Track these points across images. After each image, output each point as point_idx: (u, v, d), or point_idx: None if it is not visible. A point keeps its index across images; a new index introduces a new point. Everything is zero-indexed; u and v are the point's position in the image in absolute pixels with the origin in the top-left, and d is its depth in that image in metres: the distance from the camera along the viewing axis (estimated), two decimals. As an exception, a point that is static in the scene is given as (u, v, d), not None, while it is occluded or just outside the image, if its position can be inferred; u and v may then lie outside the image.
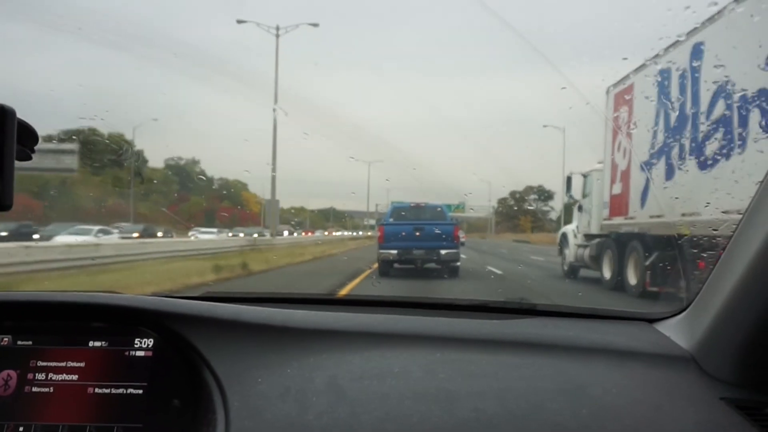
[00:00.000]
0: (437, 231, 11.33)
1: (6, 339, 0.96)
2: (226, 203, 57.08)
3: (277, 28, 25.46)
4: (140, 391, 0.92)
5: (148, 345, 0.95)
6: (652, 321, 1.13)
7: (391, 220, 12.13)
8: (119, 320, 0.99)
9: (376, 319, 1.10)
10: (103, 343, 0.96)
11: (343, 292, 7.28)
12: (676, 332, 1.03)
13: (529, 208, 68.43)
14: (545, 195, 75.86)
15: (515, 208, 63.55)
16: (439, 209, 12.56)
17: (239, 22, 28.76)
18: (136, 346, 0.95)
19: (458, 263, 11.18)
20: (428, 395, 0.84)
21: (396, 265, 11.33)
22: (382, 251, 11.26)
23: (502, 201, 62.80)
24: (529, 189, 75.40)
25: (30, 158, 0.64)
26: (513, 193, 66.26)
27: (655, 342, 1.02)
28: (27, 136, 0.63)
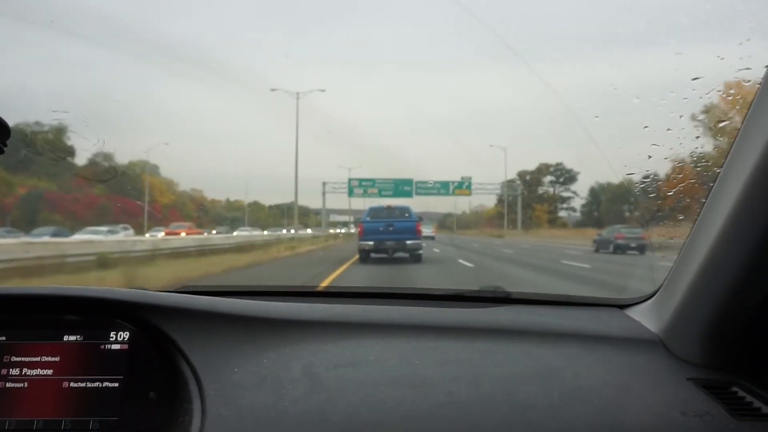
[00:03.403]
0: (403, 226, 16.58)
1: None
2: (99, 190, 53.58)
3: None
4: (116, 384, 1.01)
5: (123, 338, 1.04)
6: (623, 307, 1.32)
7: (368, 218, 17.34)
8: (94, 313, 1.08)
9: (352, 309, 1.23)
10: (78, 337, 1.05)
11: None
12: (646, 317, 1.19)
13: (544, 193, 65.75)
14: (566, 176, 72.31)
15: (525, 193, 60.82)
16: (405, 209, 17.99)
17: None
18: (111, 339, 1.05)
19: (421, 251, 16.62)
20: (403, 381, 0.96)
21: (372, 254, 16.32)
22: (361, 243, 16.61)
23: (509, 185, 60.17)
24: (545, 168, 71.97)
25: (2, 152, 0.69)
26: (522, 174, 63.16)
27: (625, 327, 1.19)
28: None
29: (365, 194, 52.02)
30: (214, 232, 37.07)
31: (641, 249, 21.15)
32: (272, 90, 41.30)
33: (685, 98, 1.40)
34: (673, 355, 1.08)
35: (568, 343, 1.12)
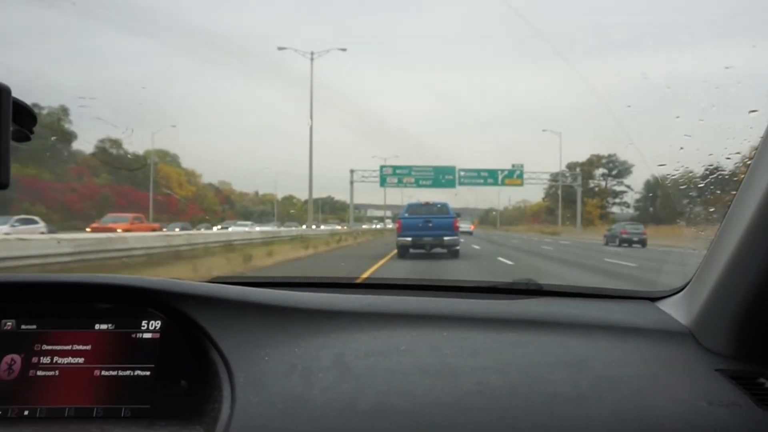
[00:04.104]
0: (441, 222, 17.53)
1: (9, 323, 1.09)
2: (102, 180, 46.61)
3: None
4: (148, 373, 1.05)
5: (155, 327, 1.09)
6: (654, 299, 1.36)
7: (406, 215, 18.27)
8: (125, 301, 1.12)
9: (384, 300, 1.28)
10: (110, 325, 1.09)
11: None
12: (676, 309, 1.23)
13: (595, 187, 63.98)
14: (620, 168, 70.19)
15: (573, 186, 59.35)
16: (443, 205, 18.69)
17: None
18: (143, 328, 1.09)
19: (458, 247, 17.67)
20: (433, 371, 1.00)
21: (411, 250, 17.20)
22: (399, 239, 17.64)
23: (554, 178, 58.93)
24: (596, 160, 69.98)
25: (29, 139, 0.75)
26: (572, 166, 61.50)
27: (655, 319, 1.22)
28: (24, 117, 0.73)
29: (400, 184, 47.43)
30: (177, 229, 28.90)
31: (643, 243, 27.58)
32: (280, 48, 37.33)
33: (717, 87, 1.41)
34: (702, 347, 1.11)
35: (598, 335, 1.15)
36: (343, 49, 40.10)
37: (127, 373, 1.06)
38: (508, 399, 0.95)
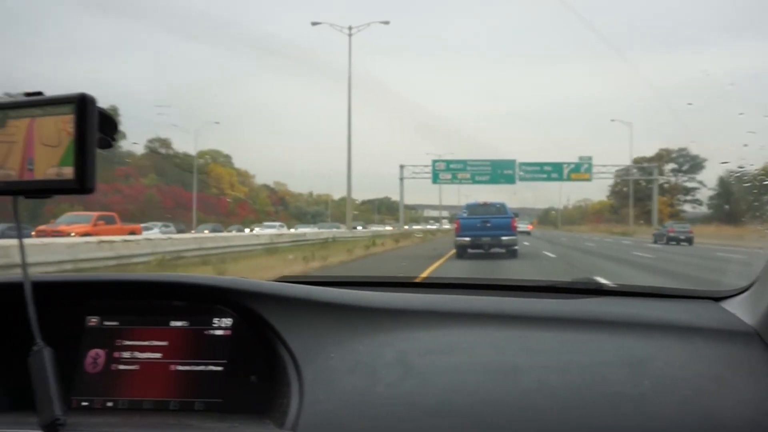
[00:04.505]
0: (499, 222, 18.24)
1: (94, 320, 1.17)
2: (149, 180, 46.53)
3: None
4: (220, 368, 1.10)
5: (227, 324, 1.14)
6: (717, 299, 1.33)
7: (465, 215, 19.22)
8: (198, 299, 1.18)
9: (444, 299, 1.30)
10: (184, 323, 1.15)
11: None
12: (742, 309, 1.21)
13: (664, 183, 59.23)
14: (691, 163, 65.35)
15: (642, 183, 55.18)
16: (501, 206, 19.48)
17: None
18: (215, 325, 1.14)
19: (517, 246, 18.44)
20: (494, 369, 1.02)
21: (469, 250, 18.02)
22: (458, 239, 18.49)
23: (621, 174, 54.86)
24: (665, 154, 65.36)
25: (111, 146, 0.80)
26: (639, 161, 57.03)
27: (718, 319, 1.20)
28: (107, 125, 0.78)
29: (454, 180, 44.68)
30: (206, 231, 26.65)
31: (689, 241, 30.76)
32: (313, 24, 34.57)
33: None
34: None
35: (659, 334, 1.13)
36: (386, 22, 37.41)
37: (201, 368, 1.11)
38: (570, 398, 0.95)
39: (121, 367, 1.12)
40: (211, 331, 1.13)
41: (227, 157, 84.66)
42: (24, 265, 0.86)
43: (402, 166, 46.29)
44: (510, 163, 43.85)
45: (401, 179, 46.25)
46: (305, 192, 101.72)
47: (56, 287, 1.23)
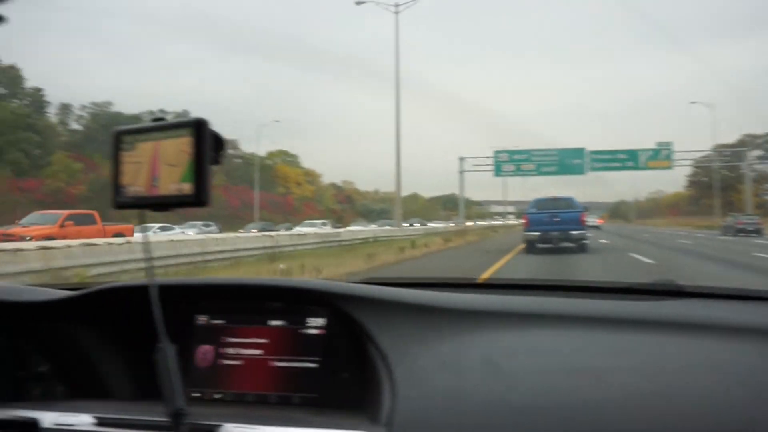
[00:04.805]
0: (568, 217, 18.10)
1: (203, 318, 1.27)
2: (217, 180, 44.13)
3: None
4: (315, 365, 1.17)
5: (320, 324, 1.21)
6: None
7: (533, 210, 19.07)
8: (294, 300, 1.25)
9: (525, 300, 1.32)
10: (281, 322, 1.22)
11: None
12: None
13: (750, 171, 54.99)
14: None
15: (725, 172, 51.47)
16: (569, 200, 19.25)
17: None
18: (308, 324, 1.21)
19: (586, 241, 18.20)
20: (577, 371, 1.02)
21: (538, 245, 18.19)
22: (527, 234, 18.72)
23: (703, 162, 51.32)
24: (750, 140, 60.70)
25: (220, 162, 0.86)
26: (719, 149, 52.97)
27: None
28: (216, 143, 0.85)
29: (518, 171, 42.34)
30: (254, 230, 24.97)
31: (758, 232, 31.99)
32: (358, 3, 33.61)
33: None
34: None
35: (746, 338, 1.11)
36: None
37: (297, 364, 1.18)
38: (655, 401, 0.95)
39: (227, 362, 1.21)
40: (306, 330, 1.20)
41: (294, 157, 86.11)
42: (150, 269, 0.92)
43: (462, 159, 44.75)
44: (579, 152, 41.08)
45: (461, 172, 44.65)
46: (371, 190, 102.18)
47: (173, 289, 1.29)
